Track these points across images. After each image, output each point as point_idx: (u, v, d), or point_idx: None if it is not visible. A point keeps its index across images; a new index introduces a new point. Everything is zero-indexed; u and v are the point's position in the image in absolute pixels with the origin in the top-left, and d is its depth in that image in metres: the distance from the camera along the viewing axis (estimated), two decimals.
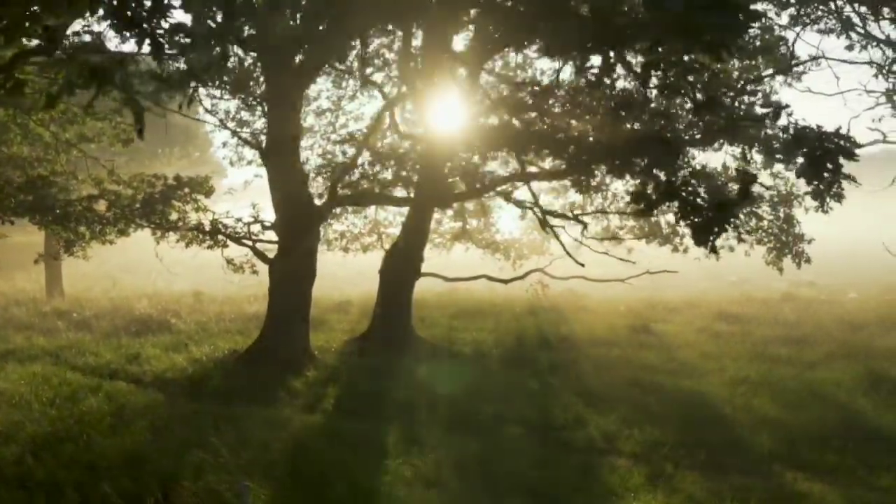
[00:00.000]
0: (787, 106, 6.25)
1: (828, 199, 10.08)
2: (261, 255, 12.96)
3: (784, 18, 14.97)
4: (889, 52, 12.16)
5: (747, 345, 14.92)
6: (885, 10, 11.51)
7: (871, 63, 13.08)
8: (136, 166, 35.39)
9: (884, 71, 12.57)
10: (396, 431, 8.54)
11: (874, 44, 12.41)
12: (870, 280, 26.75)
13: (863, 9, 12.04)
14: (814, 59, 13.07)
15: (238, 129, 13.37)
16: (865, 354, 13.14)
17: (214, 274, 20.34)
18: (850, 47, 13.03)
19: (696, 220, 4.18)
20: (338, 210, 18.59)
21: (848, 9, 12.36)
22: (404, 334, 14.69)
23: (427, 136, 11.00)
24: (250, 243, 12.95)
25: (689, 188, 4.16)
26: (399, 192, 14.34)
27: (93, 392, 10.31)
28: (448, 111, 11.71)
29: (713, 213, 4.12)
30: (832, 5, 12.24)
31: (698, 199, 4.19)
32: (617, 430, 8.78)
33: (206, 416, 8.91)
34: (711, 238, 4.19)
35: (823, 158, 5.33)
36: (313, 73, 11.97)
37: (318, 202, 12.89)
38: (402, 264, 14.92)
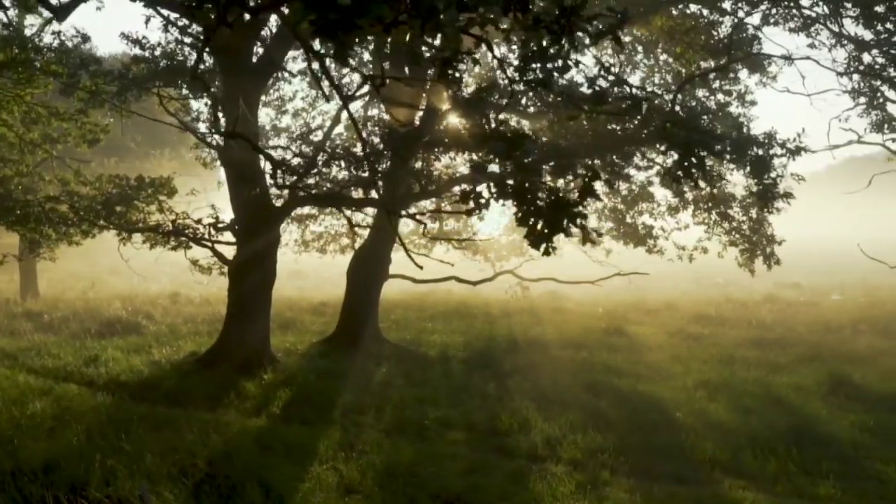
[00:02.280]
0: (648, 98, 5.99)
1: (775, 199, 9.97)
2: (220, 256, 12.84)
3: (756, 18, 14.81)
4: (852, 50, 11.95)
5: (718, 348, 14.77)
6: (850, 7, 11.31)
7: (833, 61, 12.86)
8: (125, 168, 35.44)
9: (849, 70, 12.38)
10: (335, 436, 8.40)
11: (838, 43, 12.20)
12: (858, 281, 26.49)
13: (826, 9, 11.85)
14: (747, 53, 12.65)
15: (205, 131, 13.27)
16: (833, 358, 12.96)
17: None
18: (812, 45, 12.84)
19: (533, 220, 4.02)
20: (315, 211, 18.55)
21: (814, 7, 12.17)
22: (370, 336, 14.58)
23: (383, 136, 10.86)
24: (210, 244, 12.82)
25: (529, 187, 4.00)
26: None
27: (42, 395, 10.18)
28: (406, 110, 11.56)
29: (551, 213, 3.96)
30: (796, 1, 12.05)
31: (538, 200, 4.03)
32: (562, 435, 8.61)
33: (144, 420, 8.79)
34: (547, 241, 4.03)
35: (688, 154, 5.11)
36: (269, 73, 11.85)
37: (278, 203, 12.76)
38: (369, 266, 14.81)
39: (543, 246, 4.05)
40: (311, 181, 11.85)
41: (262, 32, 11.86)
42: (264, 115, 18.31)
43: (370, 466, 7.24)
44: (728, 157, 9.59)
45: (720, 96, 16.35)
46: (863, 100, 12.41)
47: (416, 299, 21.60)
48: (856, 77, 12.19)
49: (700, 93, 16.34)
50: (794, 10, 12.04)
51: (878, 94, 12.13)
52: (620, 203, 17.13)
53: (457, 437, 8.74)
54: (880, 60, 11.42)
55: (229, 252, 13.02)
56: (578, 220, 4.07)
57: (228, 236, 12.91)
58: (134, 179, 13.73)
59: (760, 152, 9.57)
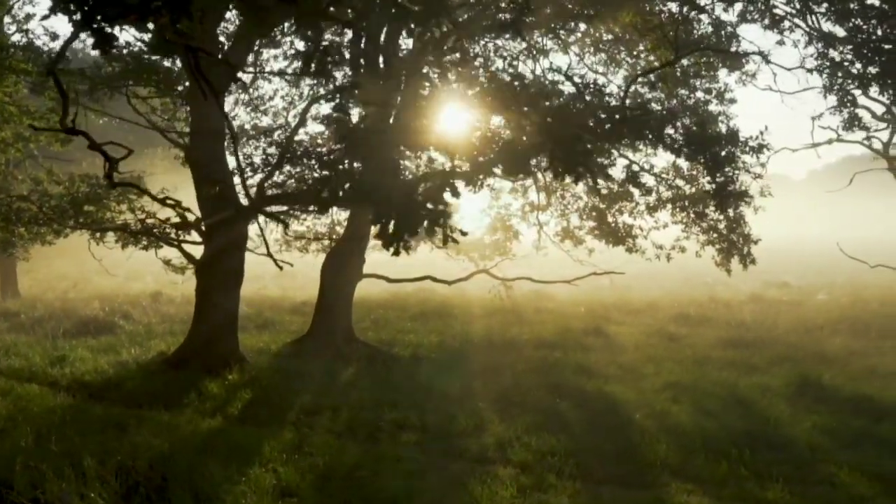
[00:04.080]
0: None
1: (730, 199, 9.83)
2: (188, 255, 12.76)
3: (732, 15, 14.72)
4: (820, 47, 11.78)
5: (695, 348, 14.63)
6: (819, 4, 11.14)
7: (802, 60, 12.72)
8: (118, 166, 35.39)
9: (819, 67, 12.20)
10: (285, 437, 8.29)
11: (811, 41, 12.02)
12: (847, 280, 26.27)
13: (797, 5, 11.69)
14: (693, 49, 12.42)
15: (171, 130, 13.19)
16: (806, 358, 12.82)
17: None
18: (780, 42, 12.67)
19: (384, 221, 3.91)
20: (296, 211, 18.46)
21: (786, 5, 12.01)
22: (343, 336, 14.47)
23: (350, 135, 10.73)
24: (177, 244, 12.74)
25: (381, 188, 3.88)
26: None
27: (2, 396, 10.15)
28: (374, 109, 11.43)
29: (404, 213, 3.84)
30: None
31: (391, 201, 3.91)
32: (515, 437, 8.49)
33: (97, 421, 8.72)
34: (396, 241, 3.91)
35: (575, 150, 4.97)
36: (235, 71, 11.75)
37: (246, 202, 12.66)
38: (342, 265, 14.71)
39: (393, 246, 3.94)
40: (278, 180, 11.74)
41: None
42: (244, 114, 18.22)
43: (311, 469, 7.13)
44: (685, 153, 9.45)
45: (700, 94, 16.27)
46: (833, 98, 12.30)
47: (399, 299, 21.51)
48: (826, 74, 12.02)
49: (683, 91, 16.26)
50: (762, 5, 11.86)
51: (848, 93, 11.94)
52: (600, 202, 17.00)
53: (409, 438, 8.62)
54: (849, 57, 11.25)
55: (199, 252, 12.95)
56: (441, 221, 3.96)
57: (196, 236, 12.83)
58: (103, 178, 13.65)
59: (717, 149, 9.43)
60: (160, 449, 7.65)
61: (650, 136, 8.68)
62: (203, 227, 12.20)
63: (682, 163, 14.26)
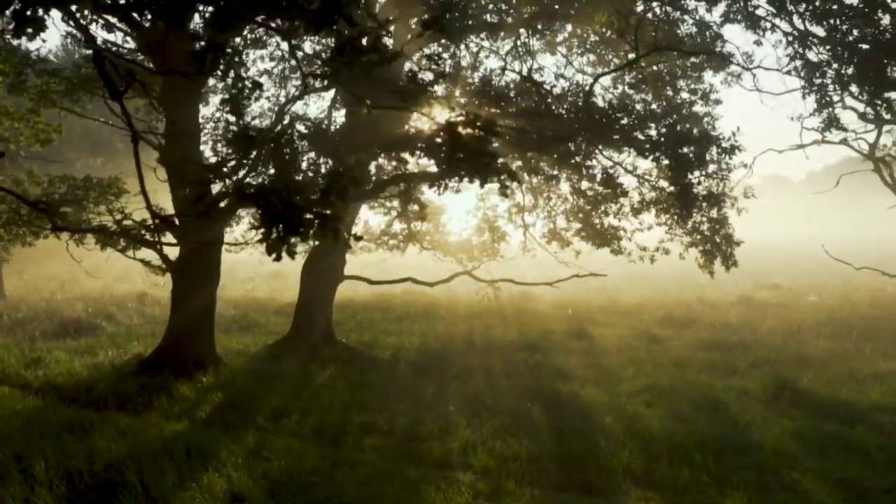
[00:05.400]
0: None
1: (697, 202, 9.68)
2: (164, 257, 12.67)
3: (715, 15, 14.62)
4: (797, 47, 11.65)
5: (677, 350, 14.51)
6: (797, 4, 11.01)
7: (779, 60, 12.58)
8: (112, 167, 35.38)
9: (796, 68, 12.08)
10: (248, 441, 8.22)
11: (783, 39, 11.92)
12: (840, 282, 26.11)
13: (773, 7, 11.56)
14: (651, 49, 12.24)
15: (149, 132, 13.11)
16: (787, 361, 12.70)
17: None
18: (758, 42, 12.55)
19: (268, 225, 3.83)
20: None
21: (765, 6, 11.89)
22: (323, 338, 14.41)
23: (321, 135, 10.67)
24: (154, 245, 12.64)
25: (265, 192, 3.81)
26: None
27: None
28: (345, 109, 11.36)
29: (288, 217, 3.76)
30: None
31: (277, 205, 3.84)
32: (481, 441, 8.39)
33: (61, 424, 8.65)
34: (281, 245, 3.84)
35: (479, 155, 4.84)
36: (209, 70, 11.67)
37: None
38: (322, 267, 14.64)
39: (276, 251, 3.86)
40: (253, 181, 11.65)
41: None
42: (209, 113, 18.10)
43: (266, 474, 7.05)
44: (653, 156, 9.34)
45: (685, 95, 16.16)
46: (812, 100, 12.15)
47: (385, 300, 21.44)
48: (803, 76, 11.89)
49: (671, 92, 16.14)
50: (742, 3, 11.74)
51: (826, 94, 11.81)
52: (585, 204, 16.87)
53: (374, 442, 8.53)
54: (823, 57, 11.12)
55: (176, 254, 12.87)
56: (330, 225, 3.87)
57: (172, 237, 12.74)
58: (82, 180, 13.62)
59: (684, 151, 9.32)
60: (118, 453, 7.58)
61: (616, 138, 8.56)
62: (177, 223, 12.11)
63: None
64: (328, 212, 3.90)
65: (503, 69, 11.12)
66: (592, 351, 14.69)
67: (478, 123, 4.55)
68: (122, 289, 23.34)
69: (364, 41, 3.78)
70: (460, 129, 4.63)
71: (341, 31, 3.33)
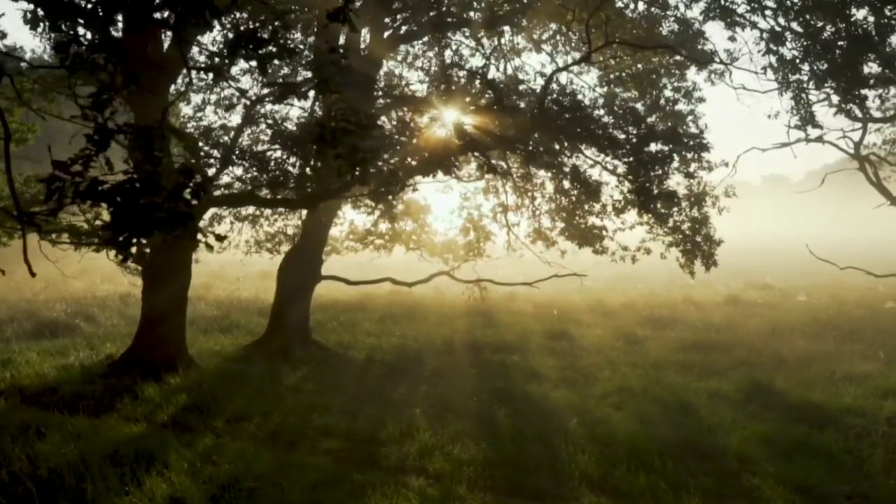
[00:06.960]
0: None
1: (656, 200, 9.51)
2: (132, 256, 12.54)
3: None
4: (769, 42, 11.44)
5: (658, 351, 14.35)
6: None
7: (751, 57, 12.35)
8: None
9: (769, 65, 11.89)
10: (200, 445, 8.10)
11: (755, 35, 11.72)
12: (831, 282, 25.85)
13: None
14: (608, 43, 12.04)
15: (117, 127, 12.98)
16: (766, 362, 12.52)
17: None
18: (732, 38, 12.36)
19: (117, 226, 3.70)
20: (259, 212, 18.28)
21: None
22: (299, 339, 14.25)
23: (291, 135, 10.53)
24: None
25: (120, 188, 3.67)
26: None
27: None
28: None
29: (138, 217, 3.62)
30: None
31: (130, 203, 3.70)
32: (440, 445, 8.24)
33: (16, 426, 8.53)
34: (127, 247, 3.70)
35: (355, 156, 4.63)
36: (179, 68, 11.56)
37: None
38: (299, 267, 14.50)
39: (123, 252, 3.73)
40: (223, 181, 11.53)
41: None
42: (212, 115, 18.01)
43: (213, 478, 6.92)
44: (613, 153, 9.18)
45: (668, 93, 15.99)
46: (788, 98, 11.96)
47: (370, 300, 21.29)
48: (777, 72, 11.71)
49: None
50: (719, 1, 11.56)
51: (802, 91, 11.61)
52: (568, 203, 16.69)
53: (331, 446, 8.39)
54: (796, 53, 10.94)
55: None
56: (182, 223, 3.73)
57: None
58: None
59: (647, 149, 9.15)
60: (70, 456, 7.46)
61: (577, 132, 8.38)
62: None
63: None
64: (182, 210, 3.77)
65: (459, 66, 10.96)
66: (572, 351, 14.54)
67: (350, 119, 4.37)
68: (107, 289, 23.22)
69: (265, 35, 3.65)
70: (333, 124, 4.47)
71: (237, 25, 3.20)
